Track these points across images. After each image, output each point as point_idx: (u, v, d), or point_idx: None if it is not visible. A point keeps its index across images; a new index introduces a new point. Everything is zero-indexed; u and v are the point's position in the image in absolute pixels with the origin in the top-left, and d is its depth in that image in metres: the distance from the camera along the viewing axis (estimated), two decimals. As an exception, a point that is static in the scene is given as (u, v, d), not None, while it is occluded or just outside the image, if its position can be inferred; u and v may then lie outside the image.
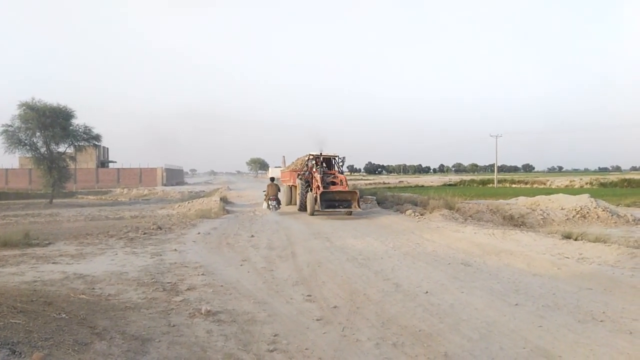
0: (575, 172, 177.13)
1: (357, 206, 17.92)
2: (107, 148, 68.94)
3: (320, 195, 17.61)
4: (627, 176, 63.42)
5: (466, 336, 5.12)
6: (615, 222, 17.71)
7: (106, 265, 8.72)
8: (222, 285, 7.35)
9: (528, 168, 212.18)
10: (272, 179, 21.13)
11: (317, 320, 5.72)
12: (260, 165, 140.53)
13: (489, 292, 6.86)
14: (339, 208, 17.92)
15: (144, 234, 12.99)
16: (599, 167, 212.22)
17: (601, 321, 5.50)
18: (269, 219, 17.82)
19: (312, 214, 18.32)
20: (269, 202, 19.89)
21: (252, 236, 12.81)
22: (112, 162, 69.52)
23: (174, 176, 74.32)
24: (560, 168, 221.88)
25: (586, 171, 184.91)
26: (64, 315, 5.02)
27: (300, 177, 20.69)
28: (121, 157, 78.41)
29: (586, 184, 52.47)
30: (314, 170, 19.54)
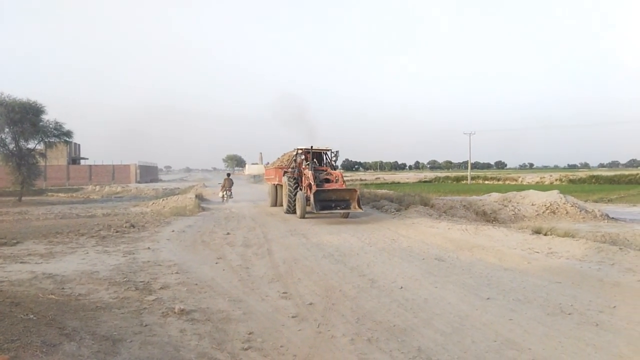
0: (546, 169, 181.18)
1: (357, 206, 15.51)
2: (79, 144, 67.42)
3: (314, 194, 15.18)
4: (595, 173, 65.29)
5: (439, 330, 5.19)
6: (584, 218, 18.16)
7: (76, 265, 8.54)
8: (196, 284, 7.28)
9: (500, 165, 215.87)
10: (228, 175, 25.75)
11: (293, 317, 5.72)
12: (237, 162, 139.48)
13: (461, 287, 6.97)
14: (336, 209, 15.60)
15: (117, 232, 12.76)
16: (569, 164, 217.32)
17: (569, 314, 5.64)
18: (246, 215, 17.71)
19: (302, 217, 16.17)
20: (224, 193, 23.64)
21: (228, 234, 12.72)
22: (83, 158, 68.04)
23: (148, 173, 73.19)
24: (531, 165, 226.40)
25: (556, 168, 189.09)
26: (31, 316, 4.90)
27: (287, 174, 18.37)
28: (94, 154, 77.06)
29: (556, 180, 53.71)
30: (304, 166, 17.53)
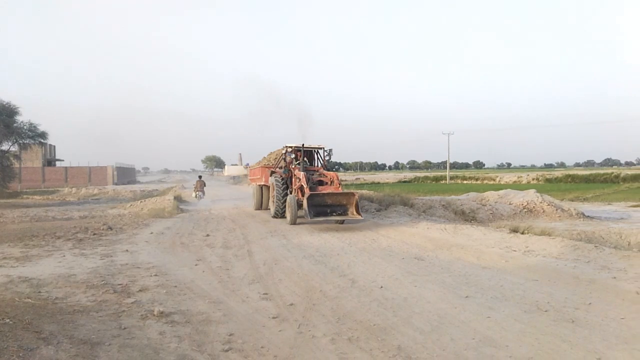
0: (523, 168, 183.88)
1: (355, 213, 13.76)
2: (54, 146, 66.24)
3: (308, 199, 13.52)
4: (571, 172, 66.51)
5: (419, 329, 5.24)
6: (560, 216, 18.51)
7: (53, 268, 8.39)
8: (175, 286, 7.22)
9: (479, 165, 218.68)
10: (200, 177, 29.23)
11: (273, 318, 5.71)
12: (216, 163, 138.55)
13: (441, 286, 7.04)
14: (332, 215, 13.81)
15: (94, 234, 12.58)
16: (545, 164, 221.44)
17: (546, 311, 5.75)
18: (225, 216, 17.61)
19: (294, 223, 14.47)
20: (197, 193, 26.80)
21: (208, 235, 12.63)
22: (59, 160, 66.86)
23: (126, 175, 72.26)
24: (509, 164, 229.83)
25: (533, 167, 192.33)
26: (7, 320, 4.81)
27: (275, 175, 16.82)
28: (70, 155, 75.32)
29: (533, 179, 54.62)
30: (293, 166, 15.96)
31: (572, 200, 25.89)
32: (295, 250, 10.26)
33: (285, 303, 6.32)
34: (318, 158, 17.39)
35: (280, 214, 15.96)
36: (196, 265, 8.88)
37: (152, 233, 13.06)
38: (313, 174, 15.50)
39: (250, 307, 6.17)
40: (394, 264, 8.62)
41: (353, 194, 14.11)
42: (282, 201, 15.76)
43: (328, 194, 14.02)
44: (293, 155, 16.11)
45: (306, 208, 13.36)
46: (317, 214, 13.52)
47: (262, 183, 19.47)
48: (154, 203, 22.17)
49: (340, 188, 14.55)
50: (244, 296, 6.70)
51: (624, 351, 4.49)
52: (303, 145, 16.48)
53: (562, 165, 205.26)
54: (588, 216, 18.67)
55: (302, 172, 14.92)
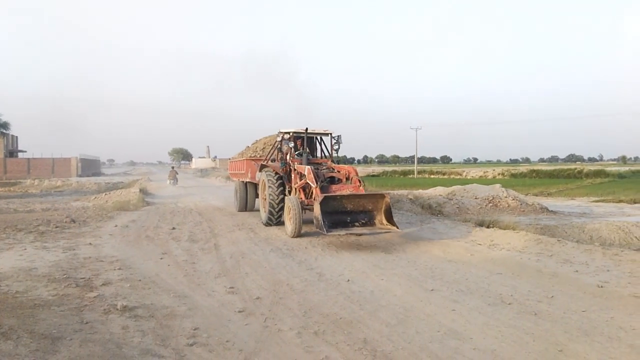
0: (489, 163, 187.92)
1: (386, 222, 10.14)
2: (16, 137, 64.12)
3: (321, 204, 9.53)
4: (536, 167, 68.15)
5: (385, 322, 5.27)
6: (524, 211, 18.93)
7: (14, 261, 8.12)
8: (140, 280, 7.07)
9: (446, 159, 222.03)
10: (172, 167, 35.50)
11: (239, 312, 5.66)
12: (183, 155, 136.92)
13: (407, 279, 7.11)
14: (354, 226, 10.01)
15: (56, 227, 12.22)
16: (511, 159, 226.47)
17: (509, 304, 5.86)
18: (192, 209, 17.37)
19: (298, 235, 10.64)
20: (170, 180, 33.75)
21: (174, 229, 12.42)
22: (21, 151, 64.77)
23: (90, 167, 70.48)
24: (475, 159, 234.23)
25: (499, 163, 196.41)
26: (-38, 316, 4.62)
27: (267, 170, 12.91)
28: (33, 147, 73.32)
29: (498, 174, 55.72)
30: (292, 158, 12.18)
31: (536, 195, 26.50)
32: (262, 243, 10.19)
33: (251, 297, 6.26)
34: (323, 148, 13.57)
35: (274, 221, 12.26)
36: (161, 258, 8.72)
37: (116, 226, 12.78)
38: (318, 168, 11.74)
39: (216, 301, 6.10)
40: (361, 258, 8.66)
41: (383, 196, 10.32)
42: (277, 204, 12.06)
43: (348, 196, 10.17)
44: (292, 144, 12.38)
45: (319, 217, 9.39)
46: (334, 225, 9.72)
47: (248, 179, 15.64)
48: (119, 195, 21.71)
49: (362, 188, 10.80)
50: (209, 290, 6.61)
51: (584, 343, 4.61)
52: (307, 129, 12.57)
53: (527, 160, 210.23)
54: (552, 211, 19.15)
55: (307, 166, 11.09)
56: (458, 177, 55.17)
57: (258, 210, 14.32)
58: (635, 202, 22.16)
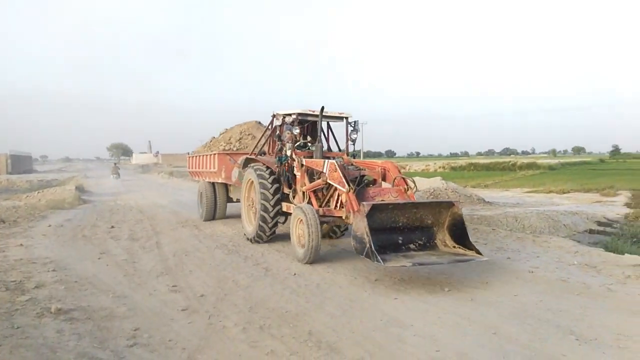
0: (431, 157, 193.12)
1: (453, 243, 7.01)
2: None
3: (367, 216, 6.35)
4: (474, 160, 70.83)
5: (330, 313, 5.33)
6: (463, 202, 19.60)
7: None
8: (76, 281, 6.78)
9: (390, 154, 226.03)
10: (115, 163, 37.09)
11: (183, 310, 5.54)
12: (122, 150, 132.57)
13: (352, 270, 7.20)
14: (409, 249, 6.88)
15: (-17, 229, 11.50)
16: (451, 153, 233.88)
17: (448, 291, 6.07)
18: (133, 207, 16.81)
19: (313, 261, 7.60)
20: (113, 175, 39.05)
21: (112, 227, 11.98)
22: (-57, 148, 60.48)
23: (21, 163, 66.71)
24: (418, 154, 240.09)
25: (440, 156, 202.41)
26: None
27: (256, 166, 9.48)
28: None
29: (440, 168, 57.50)
30: (294, 150, 8.95)
31: (474, 187, 27.49)
32: (207, 240, 10.02)
33: (195, 294, 6.15)
34: (330, 137, 10.09)
35: (266, 237, 9.28)
36: (99, 258, 8.39)
37: (50, 226, 12.17)
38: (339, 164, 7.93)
39: (158, 300, 5.94)
40: (307, 251, 8.67)
41: (450, 205, 7.15)
42: (273, 215, 9.01)
43: (403, 205, 6.96)
44: (297, 130, 9.19)
45: (365, 238, 6.23)
46: (383, 248, 6.55)
47: (222, 180, 12.15)
48: (53, 194, 20.66)
49: (411, 193, 7.59)
50: (151, 289, 6.43)
51: (516, 325, 4.85)
52: (323, 109, 8.99)
53: (465, 154, 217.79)
54: (488, 202, 19.91)
55: (331, 161, 7.97)
56: (402, 170, 56.26)
57: (229, 218, 13.12)
58: (564, 192, 23.46)
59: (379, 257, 6.03)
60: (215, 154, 12.38)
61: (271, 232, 9.24)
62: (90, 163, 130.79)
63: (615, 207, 17.52)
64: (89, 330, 4.85)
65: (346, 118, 9.63)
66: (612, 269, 7.00)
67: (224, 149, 13.04)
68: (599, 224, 13.49)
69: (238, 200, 11.67)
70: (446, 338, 4.55)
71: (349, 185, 7.30)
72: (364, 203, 6.56)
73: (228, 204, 13.28)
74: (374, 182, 8.37)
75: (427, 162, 69.41)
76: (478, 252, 6.65)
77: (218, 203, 13.02)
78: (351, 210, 7.12)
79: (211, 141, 15.17)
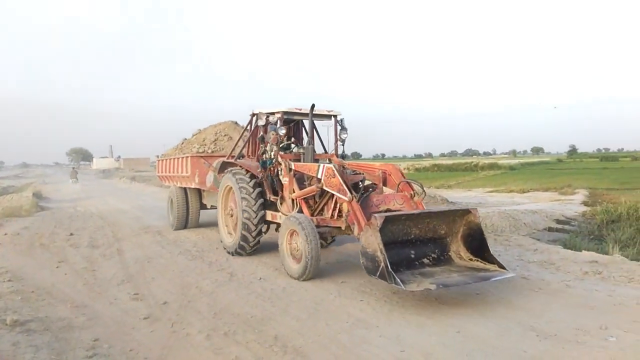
0: (396, 158, 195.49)
1: (469, 255, 6.29)
2: None
3: (381, 228, 5.50)
4: (437, 162, 72.07)
5: (295, 317, 5.31)
6: (427, 202, 19.90)
7: None
8: (33, 291, 6.55)
9: (356, 155, 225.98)
10: (73, 168, 42.00)
11: (145, 318, 5.42)
12: (83, 155, 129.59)
13: (319, 273, 7.14)
14: (422, 265, 6.13)
15: None
16: (415, 154, 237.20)
17: (411, 291, 6.12)
18: (93, 213, 16.35)
19: (310, 277, 6.77)
20: (72, 179, 38.42)
21: (72, 234, 11.60)
22: None
23: (-25, 171, 64.13)
24: (384, 155, 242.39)
25: (404, 158, 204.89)
26: None
27: (235, 171, 8.69)
28: None
29: (404, 169, 57.34)
30: (277, 152, 8.12)
31: (438, 188, 27.99)
32: (170, 246, 9.84)
33: (157, 302, 6.02)
34: (313, 134, 8.94)
35: (249, 249, 8.51)
36: (58, 267, 8.13)
37: (6, 234, 11.69)
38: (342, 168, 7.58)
39: (119, 309, 5.80)
40: (274, 255, 8.61)
41: (466, 213, 6.39)
42: (256, 224, 8.25)
43: (417, 215, 6.21)
44: (283, 131, 8.13)
45: (380, 256, 5.47)
46: (396, 264, 5.68)
47: (195, 185, 11.16)
48: (9, 201, 19.92)
49: (418, 199, 6.89)
50: (111, 298, 6.27)
51: (479, 323, 4.94)
52: (313, 107, 8.30)
53: (429, 155, 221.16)
54: (451, 202, 20.26)
55: (328, 164, 7.22)
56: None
57: (202, 228, 12.23)
58: (524, 192, 24.15)
59: (397, 279, 5.26)
60: (187, 156, 11.41)
61: (255, 242, 8.43)
62: (48, 169, 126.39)
63: (573, 205, 18.13)
64: (46, 342, 4.69)
65: (335, 116, 8.91)
66: (570, 265, 7.23)
67: (197, 152, 11.97)
68: (558, 222, 13.91)
69: (212, 207, 11.15)
70: (411, 338, 4.60)
71: (351, 194, 6.60)
72: (376, 215, 5.65)
73: (201, 211, 12.44)
74: (374, 187, 7.64)
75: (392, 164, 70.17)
76: (501, 266, 5.91)
77: (190, 210, 12.10)
78: (355, 222, 6.40)
79: (183, 143, 13.87)
